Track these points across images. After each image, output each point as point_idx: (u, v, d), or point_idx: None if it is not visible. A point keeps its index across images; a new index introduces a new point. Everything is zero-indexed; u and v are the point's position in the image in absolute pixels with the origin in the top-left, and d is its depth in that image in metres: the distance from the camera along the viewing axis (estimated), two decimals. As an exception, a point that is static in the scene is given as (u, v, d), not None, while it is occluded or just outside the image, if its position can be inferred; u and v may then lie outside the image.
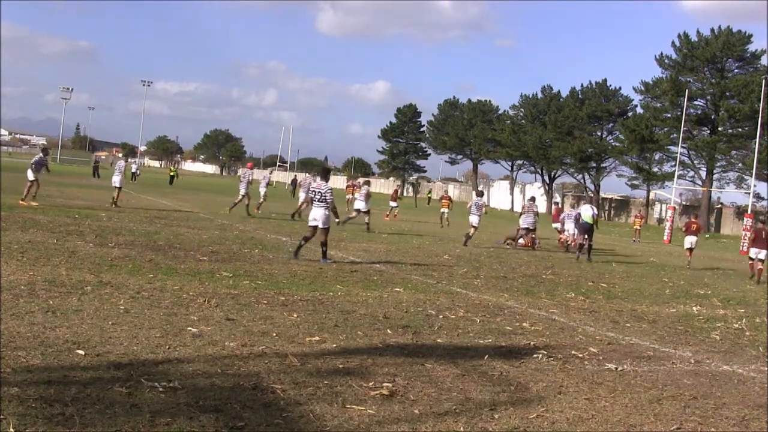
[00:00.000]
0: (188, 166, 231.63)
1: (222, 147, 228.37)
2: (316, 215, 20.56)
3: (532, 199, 36.33)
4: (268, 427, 6.78)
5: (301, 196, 39.38)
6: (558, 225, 37.79)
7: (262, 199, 42.09)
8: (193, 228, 26.41)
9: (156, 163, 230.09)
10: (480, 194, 36.20)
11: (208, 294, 13.30)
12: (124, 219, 27.06)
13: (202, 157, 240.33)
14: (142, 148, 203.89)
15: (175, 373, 8.14)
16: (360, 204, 36.83)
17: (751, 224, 55.88)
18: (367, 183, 39.67)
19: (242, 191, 37.52)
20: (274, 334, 10.58)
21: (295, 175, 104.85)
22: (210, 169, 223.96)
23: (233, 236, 24.66)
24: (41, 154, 32.94)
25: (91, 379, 7.66)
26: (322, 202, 20.60)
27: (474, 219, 33.07)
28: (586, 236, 31.61)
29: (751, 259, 29.78)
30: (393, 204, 50.42)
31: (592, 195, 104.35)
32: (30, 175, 31.06)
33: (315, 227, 20.63)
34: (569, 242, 34.97)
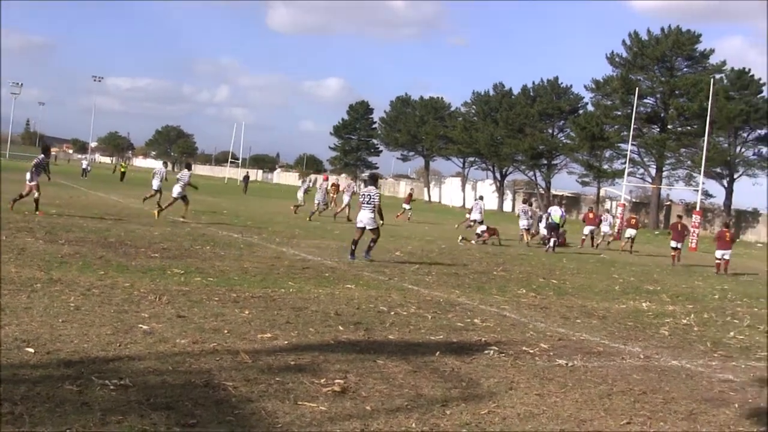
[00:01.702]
0: (140, 162, 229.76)
1: (174, 143, 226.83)
2: (363, 218, 22.21)
3: (530, 203, 41.71)
4: (219, 425, 6.77)
5: (345, 199, 44.45)
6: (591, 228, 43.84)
7: (301, 203, 44.57)
8: (144, 225, 26.25)
9: (107, 159, 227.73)
10: (525, 201, 41.69)
11: (159, 291, 13.25)
12: (74, 216, 26.84)
13: (154, 153, 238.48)
14: (93, 144, 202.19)
15: (126, 371, 8.10)
16: (477, 215, 40.67)
17: (699, 221, 56.61)
18: (481, 198, 43.50)
19: (318, 199, 41.83)
20: (226, 331, 10.56)
21: (247, 172, 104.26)
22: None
23: (184, 233, 24.55)
24: (187, 170, 33.59)
25: (40, 378, 7.62)
26: (370, 205, 22.14)
27: (523, 223, 38.71)
28: (552, 233, 36.61)
29: (672, 248, 36.06)
30: (406, 206, 51.72)
31: (543, 192, 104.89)
32: (175, 192, 31.76)
33: (363, 229, 22.23)
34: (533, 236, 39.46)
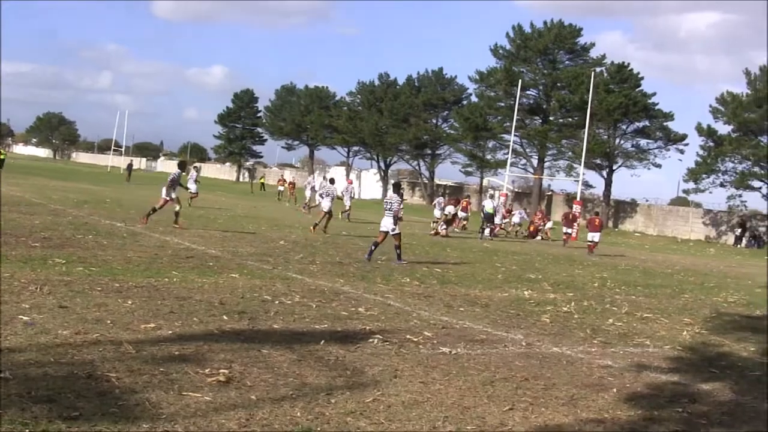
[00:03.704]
0: (20, 149, 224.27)
1: (55, 130, 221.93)
2: (386, 223, 23.19)
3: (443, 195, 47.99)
4: (103, 416, 6.70)
5: (318, 199, 45.19)
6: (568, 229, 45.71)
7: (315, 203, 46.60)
8: (24, 213, 25.73)
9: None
10: (442, 194, 44.37)
11: (40, 281, 13.03)
12: (-50, 204, 26.20)
13: (35, 140, 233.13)
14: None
15: (5, 363, 7.96)
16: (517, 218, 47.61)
17: (580, 211, 57.77)
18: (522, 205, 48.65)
19: (347, 203, 45.18)
20: (109, 322, 10.45)
21: (131, 160, 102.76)
22: (43, 153, 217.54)
23: (66, 222, 24.15)
24: (331, 184, 35.22)
25: None
26: (391, 211, 23.22)
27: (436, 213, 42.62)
28: (487, 223, 41.77)
29: (564, 233, 43.91)
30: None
31: (427, 182, 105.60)
32: (325, 206, 32.82)
33: (386, 233, 23.15)
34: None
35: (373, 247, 22.83)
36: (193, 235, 24.34)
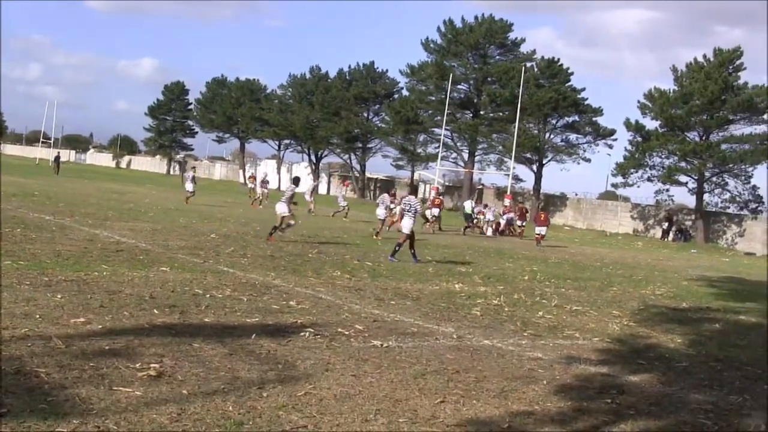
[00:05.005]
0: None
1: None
2: (406, 224, 24.40)
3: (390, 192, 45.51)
4: (32, 413, 6.65)
5: (342, 202, 48.62)
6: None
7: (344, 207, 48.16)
8: (-52, 206, 25.35)
9: None
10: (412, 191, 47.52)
11: (-34, 275, 12.86)
12: None
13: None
14: None
15: (-68, 358, 7.87)
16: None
17: (510, 204, 58.19)
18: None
19: (342, 203, 47.92)
20: (38, 316, 10.36)
21: (58, 152, 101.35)
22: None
23: (-8, 215, 23.80)
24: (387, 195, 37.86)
25: None
26: (411, 212, 24.61)
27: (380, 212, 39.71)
28: (468, 222, 47.27)
29: (518, 226, 49.81)
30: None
31: (358, 175, 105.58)
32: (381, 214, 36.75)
33: (408, 234, 24.23)
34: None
35: (397, 248, 23.80)
36: (123, 228, 24.15)
